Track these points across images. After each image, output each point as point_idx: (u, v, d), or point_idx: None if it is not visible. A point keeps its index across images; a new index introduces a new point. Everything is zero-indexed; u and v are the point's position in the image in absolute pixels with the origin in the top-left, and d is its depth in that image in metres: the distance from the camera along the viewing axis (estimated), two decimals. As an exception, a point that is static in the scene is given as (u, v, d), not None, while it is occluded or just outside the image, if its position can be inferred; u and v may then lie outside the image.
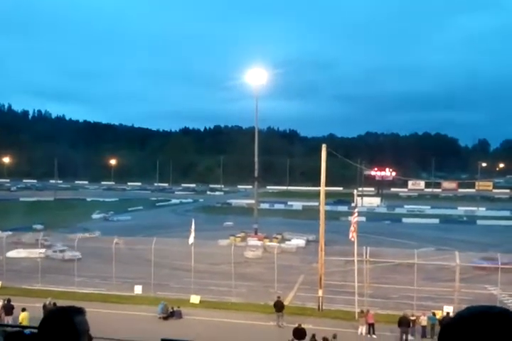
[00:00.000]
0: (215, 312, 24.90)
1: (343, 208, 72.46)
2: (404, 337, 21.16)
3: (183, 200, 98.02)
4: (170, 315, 24.10)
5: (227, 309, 25.60)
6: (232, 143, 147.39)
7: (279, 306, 23.58)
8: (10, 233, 42.57)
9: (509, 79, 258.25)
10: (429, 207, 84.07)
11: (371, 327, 22.27)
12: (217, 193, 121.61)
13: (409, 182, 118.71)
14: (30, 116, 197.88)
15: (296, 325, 20.44)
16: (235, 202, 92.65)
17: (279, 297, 24.58)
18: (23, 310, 21.09)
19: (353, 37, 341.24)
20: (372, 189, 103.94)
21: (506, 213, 76.33)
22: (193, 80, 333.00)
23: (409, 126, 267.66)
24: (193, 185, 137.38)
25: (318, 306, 25.67)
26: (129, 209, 77.75)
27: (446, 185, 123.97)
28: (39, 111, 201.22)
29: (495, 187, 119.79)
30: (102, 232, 47.61)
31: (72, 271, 30.45)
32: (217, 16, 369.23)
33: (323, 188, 27.99)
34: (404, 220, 69.37)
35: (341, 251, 29.77)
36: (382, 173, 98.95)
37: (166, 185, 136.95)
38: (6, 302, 22.53)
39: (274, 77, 63.01)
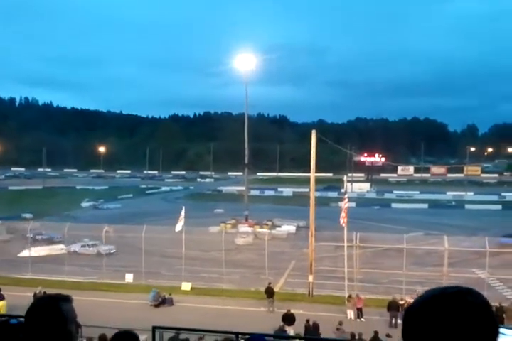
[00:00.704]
0: (207, 299, 25.03)
1: (333, 194, 72.72)
2: (393, 321, 21.43)
3: (173, 188, 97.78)
4: (161, 302, 24.19)
5: (219, 295, 25.75)
6: (222, 129, 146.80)
7: (269, 292, 23.76)
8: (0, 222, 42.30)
9: (497, 65, 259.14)
10: (418, 192, 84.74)
11: (359, 312, 22.56)
12: (207, 180, 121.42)
13: (399, 168, 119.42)
14: (17, 103, 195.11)
15: (286, 311, 20.62)
16: (226, 189, 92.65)
17: (270, 283, 24.76)
18: (1, 298, 20.97)
19: (343, 23, 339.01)
20: (362, 175, 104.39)
21: (494, 197, 77.14)
22: (182, 66, 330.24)
23: (398, 111, 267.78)
24: (183, 173, 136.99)
25: (309, 292, 25.89)
26: (119, 197, 77.47)
27: (435, 170, 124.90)
28: (26, 98, 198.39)
29: (483, 171, 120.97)
30: (91, 220, 47.38)
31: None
32: (207, 1, 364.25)
33: (313, 174, 28.01)
34: (394, 205, 69.92)
35: (331, 237, 29.93)
36: (372, 159, 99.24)
37: (155, 172, 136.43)
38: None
39: (263, 62, 62.66)
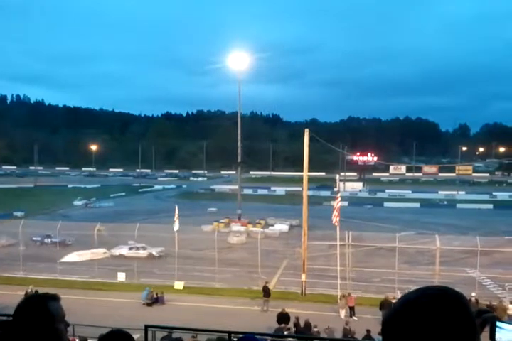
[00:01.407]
0: (199, 298, 25.00)
1: (326, 193, 72.86)
2: (385, 319, 21.48)
3: (166, 186, 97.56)
4: (154, 301, 24.13)
5: (211, 294, 25.71)
6: (214, 128, 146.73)
7: (266, 291, 23.73)
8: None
9: (489, 65, 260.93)
10: (410, 191, 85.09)
11: (352, 310, 22.61)
12: (200, 179, 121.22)
13: (391, 167, 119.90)
14: (8, 101, 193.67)
15: (280, 310, 20.63)
16: (218, 187, 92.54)
17: (266, 282, 24.74)
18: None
19: (335, 22, 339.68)
20: (355, 174, 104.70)
21: (485, 197, 77.68)
22: (175, 64, 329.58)
23: (391, 110, 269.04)
24: (175, 171, 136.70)
25: (302, 290, 25.92)
26: (111, 195, 77.15)
27: (427, 169, 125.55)
28: (17, 96, 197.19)
29: (474, 171, 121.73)
30: (83, 219, 47.17)
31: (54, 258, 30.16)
32: (199, 0, 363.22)
33: (305, 173, 28.04)
34: (386, 204, 70.15)
35: (324, 236, 30.01)
36: (364, 158, 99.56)
37: (148, 171, 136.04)
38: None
39: (256, 61, 62.78)
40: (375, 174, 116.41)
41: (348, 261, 26.35)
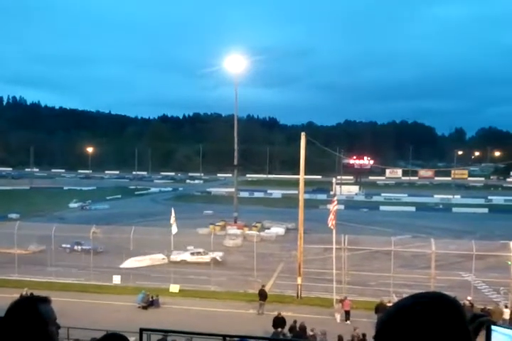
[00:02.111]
0: (195, 301, 24.94)
1: (322, 196, 72.91)
2: (381, 323, 21.46)
3: (163, 189, 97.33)
4: (150, 304, 24.05)
5: (207, 298, 25.66)
6: (211, 130, 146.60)
7: (262, 295, 23.68)
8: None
9: (485, 69, 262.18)
10: (406, 195, 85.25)
11: (347, 314, 22.59)
12: (196, 182, 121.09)
13: (387, 171, 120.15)
14: (4, 103, 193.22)
15: (276, 314, 20.59)
16: (215, 190, 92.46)
17: (263, 286, 24.70)
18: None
19: (331, 26, 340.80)
20: (351, 177, 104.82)
21: (481, 201, 77.91)
22: (172, 67, 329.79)
23: (387, 114, 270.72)
24: (172, 174, 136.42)
25: (297, 294, 25.90)
26: (107, 197, 76.91)
27: (423, 173, 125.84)
28: (14, 98, 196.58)
29: (470, 175, 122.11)
30: (79, 221, 46.98)
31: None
32: (197, 3, 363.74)
33: (302, 176, 28.07)
34: (382, 208, 70.25)
35: (320, 239, 30.00)
36: (361, 161, 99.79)
37: (144, 173, 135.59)
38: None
39: (253, 64, 62.77)
40: (371, 177, 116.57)
41: (343, 265, 26.36)
